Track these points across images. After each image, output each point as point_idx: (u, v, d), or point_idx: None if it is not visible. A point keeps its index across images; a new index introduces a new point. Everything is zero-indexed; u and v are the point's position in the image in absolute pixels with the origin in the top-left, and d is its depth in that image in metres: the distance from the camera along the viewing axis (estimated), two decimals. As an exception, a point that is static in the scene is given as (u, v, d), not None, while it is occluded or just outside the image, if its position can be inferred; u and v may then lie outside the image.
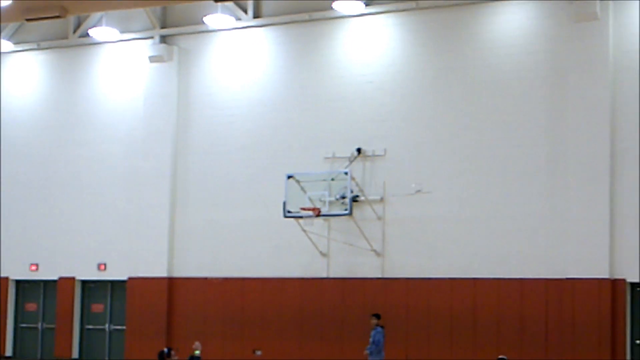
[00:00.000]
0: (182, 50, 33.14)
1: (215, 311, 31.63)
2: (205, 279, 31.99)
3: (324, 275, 30.27)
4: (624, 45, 27.10)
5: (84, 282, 34.45)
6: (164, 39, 33.33)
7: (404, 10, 30.00)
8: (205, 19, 32.06)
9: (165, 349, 18.53)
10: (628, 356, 26.45)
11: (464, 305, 28.26)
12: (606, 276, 26.47)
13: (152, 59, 33.14)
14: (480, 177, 28.48)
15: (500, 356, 21.99)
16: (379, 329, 25.88)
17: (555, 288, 27.04)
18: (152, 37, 33.46)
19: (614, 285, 26.48)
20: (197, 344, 18.43)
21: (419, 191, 27.99)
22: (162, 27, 33.44)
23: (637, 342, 26.48)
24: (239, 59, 32.32)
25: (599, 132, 26.91)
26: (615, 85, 27.04)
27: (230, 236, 31.72)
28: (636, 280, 26.51)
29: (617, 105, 26.99)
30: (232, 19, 32.01)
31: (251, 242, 31.34)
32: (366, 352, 25.85)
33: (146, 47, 33.44)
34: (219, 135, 32.27)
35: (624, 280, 26.49)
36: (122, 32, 34.04)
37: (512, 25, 28.63)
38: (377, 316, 26.22)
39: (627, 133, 26.83)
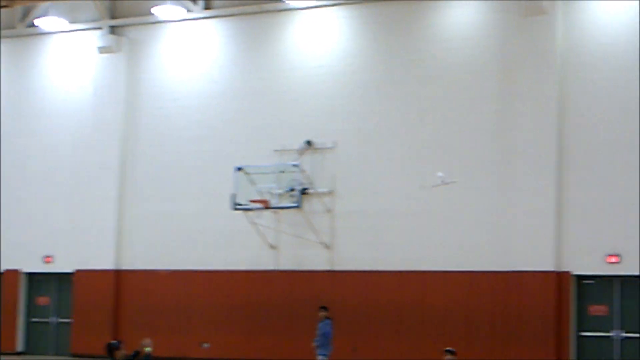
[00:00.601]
0: (131, 41, 32.95)
1: (162, 304, 31.49)
2: (153, 271, 31.83)
3: (273, 267, 30.24)
4: (572, 40, 27.36)
5: (30, 275, 34.12)
6: (113, 29, 33.12)
7: (355, 2, 30.04)
8: (154, 10, 31.88)
9: (114, 342, 18.28)
10: (573, 347, 26.73)
11: (412, 298, 28.37)
12: (552, 269, 26.73)
13: (101, 49, 32.93)
14: (429, 170, 28.53)
15: (447, 348, 22.00)
16: (327, 321, 25.82)
17: (502, 281, 27.22)
18: (100, 28, 33.23)
19: (560, 277, 26.74)
20: (148, 340, 18.18)
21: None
22: (111, 18, 33.25)
23: (582, 333, 26.78)
24: (189, 51, 32.20)
25: (547, 126, 27.14)
26: (563, 79, 27.28)
27: (178, 228, 31.59)
28: (581, 272, 26.83)
29: (564, 99, 27.24)
30: (182, 10, 31.86)
31: (200, 234, 31.23)
32: (314, 344, 25.81)
33: (95, 38, 33.22)
34: (168, 127, 32.11)
35: (569, 273, 26.76)
36: (71, 22, 33.79)
37: (461, 19, 28.78)
38: (325, 309, 26.19)
39: (574, 127, 27.08)
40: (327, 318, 25.86)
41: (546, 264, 26.73)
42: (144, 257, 32.03)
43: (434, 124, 28.75)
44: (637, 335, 26.22)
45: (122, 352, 17.56)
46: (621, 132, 26.59)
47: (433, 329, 27.96)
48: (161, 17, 32.22)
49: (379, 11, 29.75)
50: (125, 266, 32.28)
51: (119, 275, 32.25)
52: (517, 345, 26.78)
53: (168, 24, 32.49)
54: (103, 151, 32.59)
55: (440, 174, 27.54)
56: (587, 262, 26.60)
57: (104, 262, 32.29)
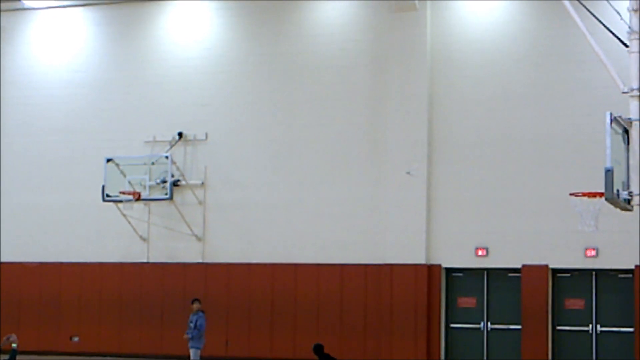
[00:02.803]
0: (-3, 27, 32.21)
1: (30, 297, 30.88)
2: (21, 263, 31.19)
3: (144, 260, 30.02)
4: (441, 36, 27.77)
5: None
6: (-23, 15, 32.29)
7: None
8: (22, -4, 31.24)
9: (-23, 337, 17.87)
10: (442, 338, 27.28)
11: (284, 290, 28.51)
12: (423, 262, 27.19)
13: (-35, 36, 32.09)
14: (302, 163, 28.75)
15: (315, 343, 22.19)
16: (200, 314, 25.83)
17: (374, 273, 27.59)
18: (-36, 14, 32.35)
19: (430, 270, 27.23)
20: (13, 337, 17.79)
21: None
22: (-24, 4, 32.38)
23: (451, 325, 27.34)
24: (58, 39, 31.58)
25: (417, 122, 27.52)
26: (433, 75, 27.69)
27: (47, 220, 31.03)
28: (451, 265, 27.37)
29: (434, 95, 27.66)
30: (51, -3, 31.29)
31: (69, 226, 30.77)
32: (186, 336, 25.74)
33: (-42, 24, 32.34)
34: (37, 116, 31.46)
35: (439, 265, 27.27)
36: None
37: (333, 13, 28.93)
38: (198, 301, 26.17)
39: (443, 123, 27.50)
40: (200, 311, 25.86)
41: (417, 257, 27.19)
42: (11, 249, 31.31)
43: (306, 117, 28.89)
44: (503, 326, 26.93)
45: (-16, 347, 17.14)
46: (488, 128, 27.18)
47: (305, 322, 28.15)
48: (29, 4, 31.47)
49: (251, 4, 29.67)
50: (-9, 258, 31.62)
51: (-16, 268, 31.56)
52: (389, 337, 27.19)
53: (36, 12, 31.76)
54: (-33, 141, 31.79)
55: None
56: (456, 255, 27.17)
57: (-32, 253, 31.57)
